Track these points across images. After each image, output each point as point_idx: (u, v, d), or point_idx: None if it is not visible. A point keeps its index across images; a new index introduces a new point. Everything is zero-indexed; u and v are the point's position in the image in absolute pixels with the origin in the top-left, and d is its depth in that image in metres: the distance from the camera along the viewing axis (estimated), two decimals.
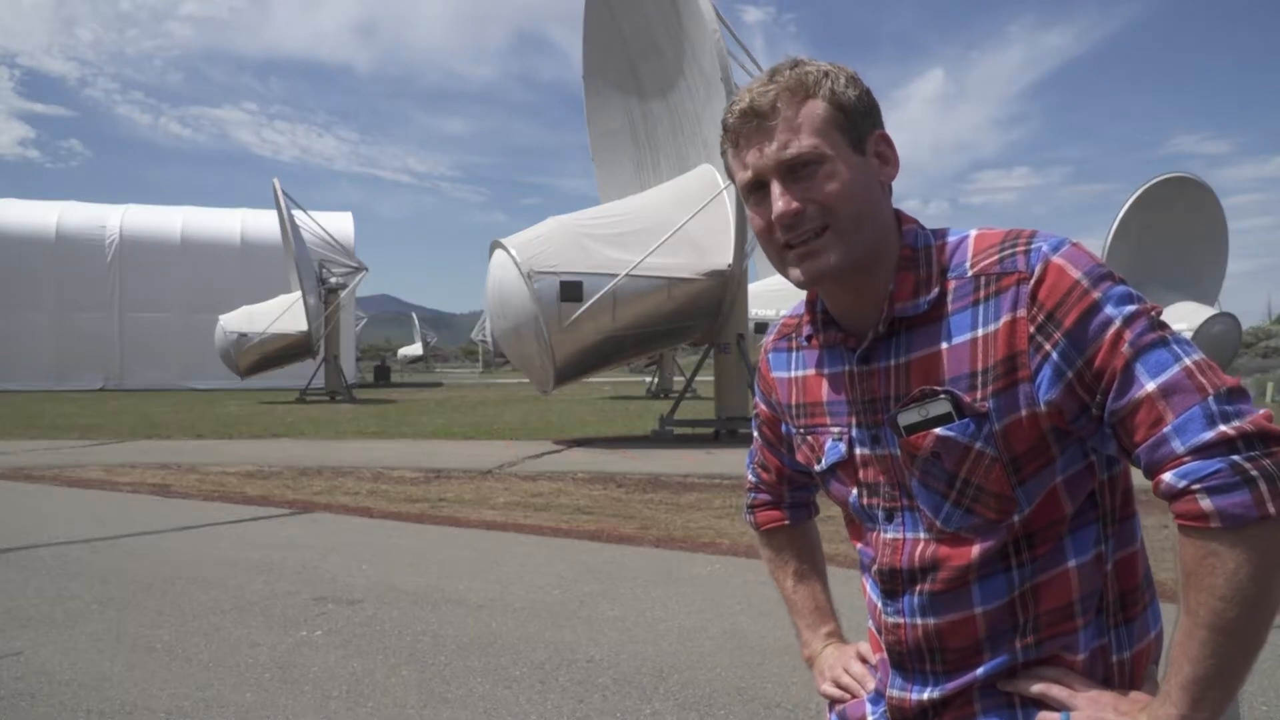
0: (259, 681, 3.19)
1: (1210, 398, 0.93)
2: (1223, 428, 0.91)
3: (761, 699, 3.00)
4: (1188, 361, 0.95)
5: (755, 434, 1.43)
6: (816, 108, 1.06)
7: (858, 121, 1.08)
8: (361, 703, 2.99)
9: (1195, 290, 25.75)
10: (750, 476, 1.47)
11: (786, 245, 1.08)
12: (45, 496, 7.73)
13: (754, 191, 1.10)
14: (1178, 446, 0.92)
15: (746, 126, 1.08)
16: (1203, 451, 0.91)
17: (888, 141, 1.11)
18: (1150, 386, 0.95)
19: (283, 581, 4.61)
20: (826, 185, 1.05)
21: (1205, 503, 0.90)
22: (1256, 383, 21.71)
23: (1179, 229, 25.82)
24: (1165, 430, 0.93)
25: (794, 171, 1.06)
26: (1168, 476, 0.93)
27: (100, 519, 6.48)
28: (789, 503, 1.44)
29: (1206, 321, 23.99)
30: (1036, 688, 1.07)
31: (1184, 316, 24.29)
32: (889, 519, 1.15)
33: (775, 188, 1.07)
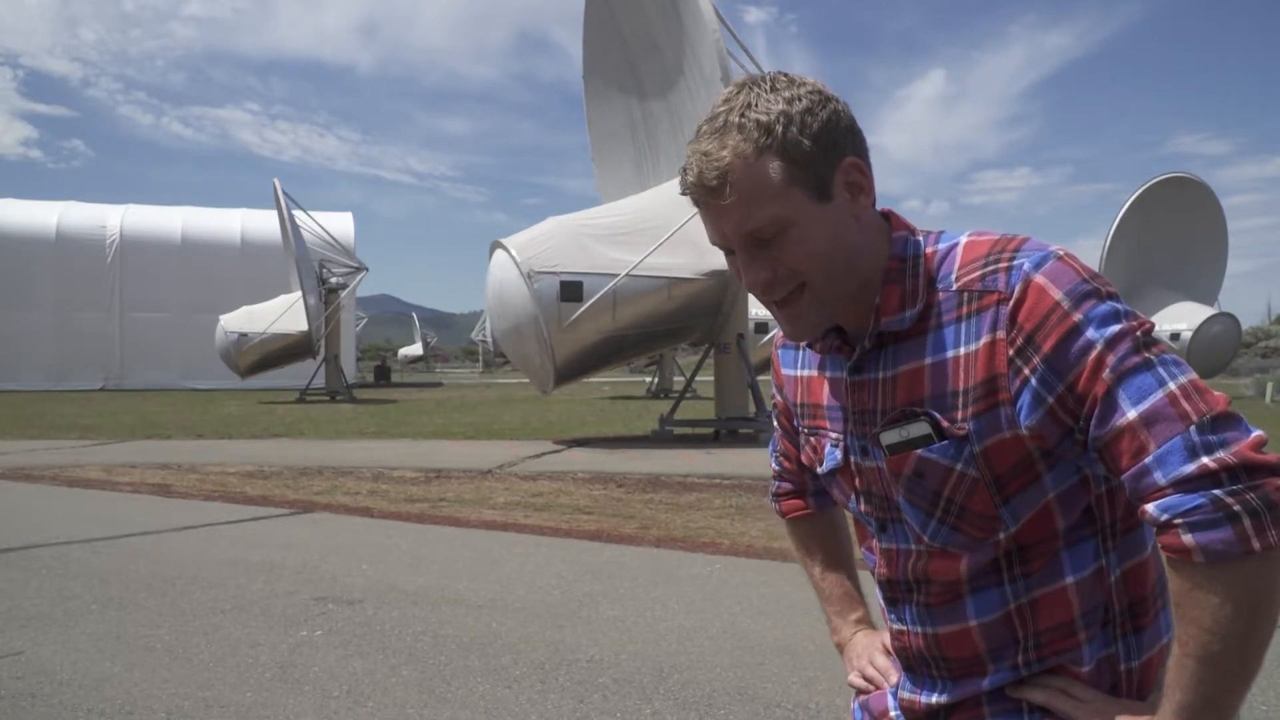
0: (259, 681, 3.19)
1: (1192, 427, 0.89)
2: (1204, 460, 0.88)
3: (761, 699, 3.00)
4: (1172, 386, 0.92)
5: (775, 424, 1.42)
6: (769, 169, 0.99)
7: (818, 167, 1.01)
8: (361, 703, 2.99)
9: (1195, 290, 25.76)
10: (774, 465, 1.46)
11: (770, 302, 1.08)
12: (45, 496, 7.73)
13: (729, 252, 1.08)
14: (1159, 478, 0.90)
15: (700, 198, 1.04)
16: (1184, 485, 0.88)
17: (859, 169, 1.04)
18: (1131, 415, 0.92)
19: (283, 581, 4.61)
20: (794, 251, 1.02)
21: (1187, 538, 0.88)
22: (1256, 383, 21.71)
23: (1179, 229, 25.82)
24: (1147, 461, 0.91)
25: (757, 242, 1.03)
26: (1150, 508, 0.91)
27: (100, 519, 6.48)
28: (813, 491, 1.42)
29: (1206, 321, 23.99)
30: (1041, 696, 1.06)
31: (1184, 316, 24.31)
32: (882, 529, 1.15)
33: (741, 257, 1.05)
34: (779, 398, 1.36)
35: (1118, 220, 26.01)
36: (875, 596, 1.25)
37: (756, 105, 1.00)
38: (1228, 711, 0.93)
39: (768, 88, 1.02)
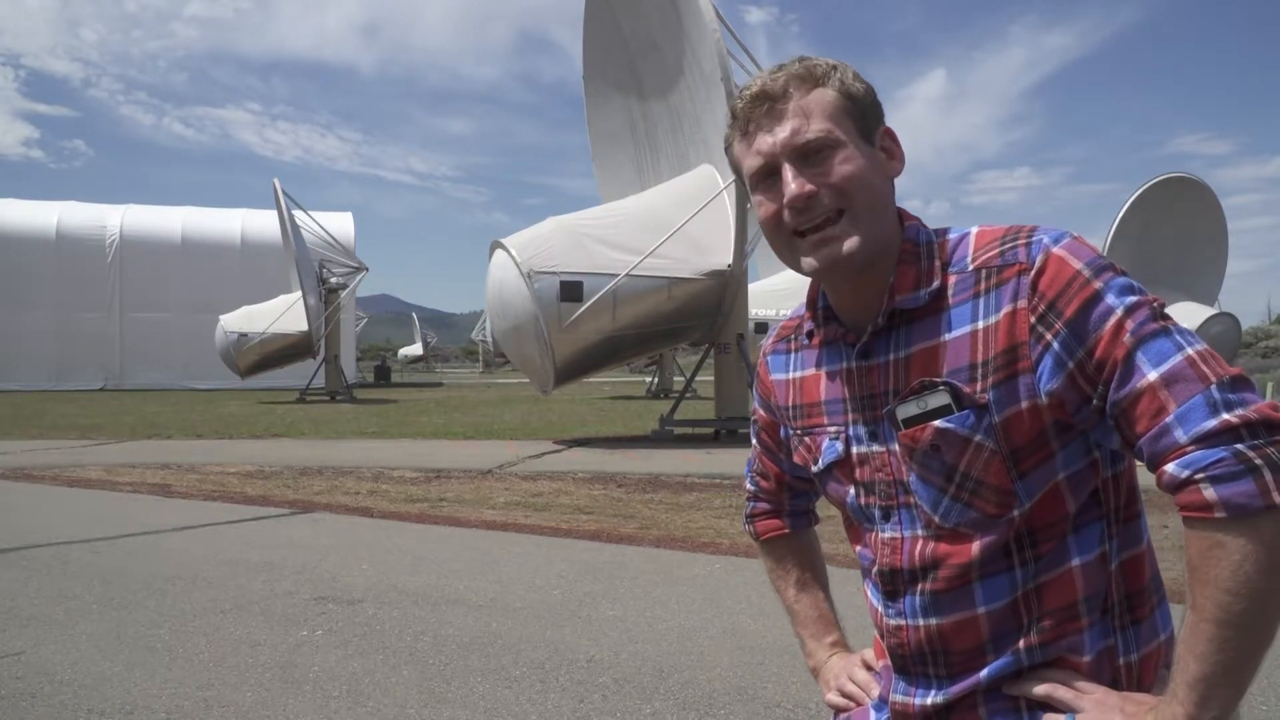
0: (259, 681, 3.19)
1: (1213, 386, 0.91)
2: (1226, 416, 0.89)
3: (761, 699, 3.00)
4: (1190, 351, 0.94)
5: (754, 442, 1.41)
6: (827, 95, 1.06)
7: (866, 112, 1.08)
8: (361, 703, 2.99)
9: (1195, 290, 25.75)
10: (749, 485, 1.45)
11: (797, 233, 1.07)
12: (45, 496, 7.73)
13: (764, 179, 1.08)
14: (1180, 436, 0.91)
15: (757, 111, 1.07)
16: (1206, 440, 0.90)
17: (893, 137, 1.12)
18: (1152, 376, 0.93)
19: (283, 581, 4.61)
20: (840, 169, 1.05)
21: (1209, 492, 0.88)
22: (1257, 382, 21.77)
23: (1179, 229, 25.82)
24: (1167, 420, 0.92)
25: (806, 156, 1.05)
26: (1171, 467, 0.91)
27: (100, 519, 6.48)
28: (789, 511, 1.42)
29: (1206, 321, 23.99)
30: (1041, 689, 1.05)
31: (1184, 316, 24.30)
32: (886, 517, 1.14)
33: (788, 171, 1.05)
34: (761, 412, 1.35)
35: (1118, 220, 26.01)
36: (865, 601, 1.23)
37: (811, 60, 1.09)
38: (1245, 681, 0.92)
39: (811, 57, 1.11)
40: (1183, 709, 0.92)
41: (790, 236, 1.08)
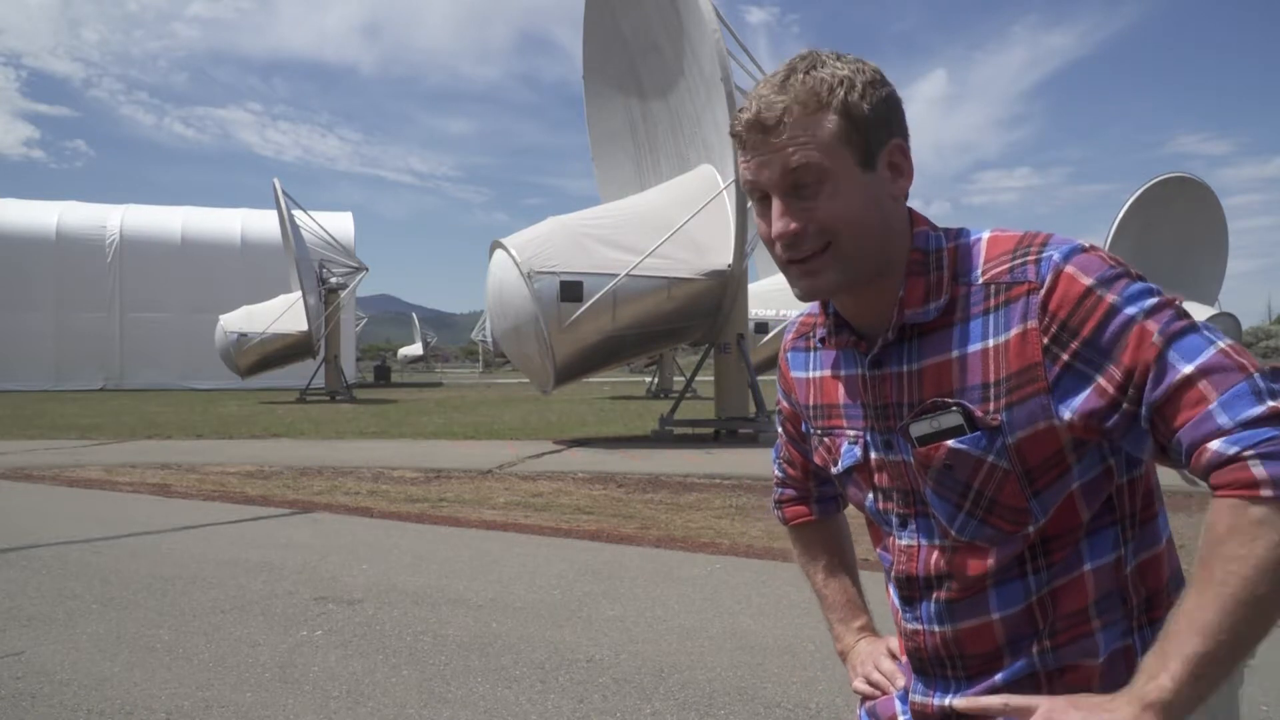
0: (259, 681, 3.19)
1: (1255, 375, 0.90)
2: (1272, 403, 0.88)
3: (761, 699, 3.00)
4: (1222, 344, 0.93)
5: (779, 430, 1.41)
6: (825, 121, 1.02)
7: (869, 135, 1.04)
8: (361, 703, 2.99)
9: (1195, 290, 25.78)
10: (777, 472, 1.45)
11: (789, 260, 1.07)
12: (45, 496, 7.73)
13: (760, 201, 1.08)
14: (1225, 421, 0.89)
15: (752, 137, 1.05)
16: (1254, 424, 0.88)
17: (903, 152, 1.08)
18: (1188, 369, 0.92)
19: (283, 581, 4.61)
20: (829, 205, 1.03)
21: (1258, 469, 0.86)
22: None
23: (1179, 229, 25.86)
24: (1210, 407, 0.90)
25: (796, 189, 1.04)
26: (1217, 444, 0.89)
27: (100, 519, 6.48)
28: (817, 497, 1.42)
29: (1206, 321, 24.05)
30: (997, 701, 1.07)
31: None
32: (903, 525, 1.14)
33: (776, 205, 1.04)
34: (785, 404, 1.35)
35: (1118, 220, 26.05)
36: (886, 599, 1.24)
37: (823, 66, 1.04)
38: (1235, 666, 0.91)
39: (834, 57, 1.06)
40: (1172, 683, 0.89)
41: (784, 262, 1.08)
